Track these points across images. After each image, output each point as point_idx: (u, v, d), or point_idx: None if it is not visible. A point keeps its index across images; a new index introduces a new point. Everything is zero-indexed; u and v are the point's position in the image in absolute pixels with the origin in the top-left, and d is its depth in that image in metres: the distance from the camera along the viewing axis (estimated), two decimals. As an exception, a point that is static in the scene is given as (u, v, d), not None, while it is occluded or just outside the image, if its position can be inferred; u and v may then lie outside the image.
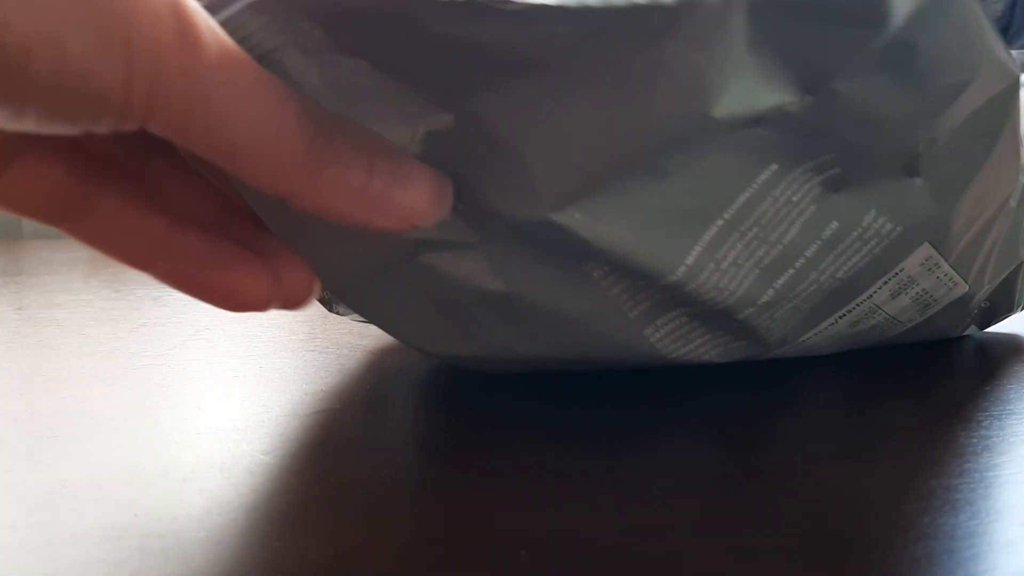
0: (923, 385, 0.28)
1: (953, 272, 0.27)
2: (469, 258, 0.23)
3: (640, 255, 0.22)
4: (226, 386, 0.29)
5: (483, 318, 0.24)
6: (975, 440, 0.23)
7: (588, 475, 0.22)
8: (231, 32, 0.18)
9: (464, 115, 0.20)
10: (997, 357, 0.30)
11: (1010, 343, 0.31)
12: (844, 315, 0.26)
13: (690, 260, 0.22)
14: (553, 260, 0.23)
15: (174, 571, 0.18)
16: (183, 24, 0.17)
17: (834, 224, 0.23)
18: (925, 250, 0.25)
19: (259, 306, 0.22)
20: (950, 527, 0.18)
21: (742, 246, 0.23)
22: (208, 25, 0.17)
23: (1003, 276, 0.30)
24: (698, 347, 0.25)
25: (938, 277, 0.27)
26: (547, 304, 0.24)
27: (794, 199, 0.22)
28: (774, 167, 0.22)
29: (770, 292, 0.24)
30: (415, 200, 0.20)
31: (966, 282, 0.28)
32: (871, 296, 0.26)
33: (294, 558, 0.19)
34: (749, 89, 0.20)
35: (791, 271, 0.23)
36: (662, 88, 0.20)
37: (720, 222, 0.22)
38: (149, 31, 0.16)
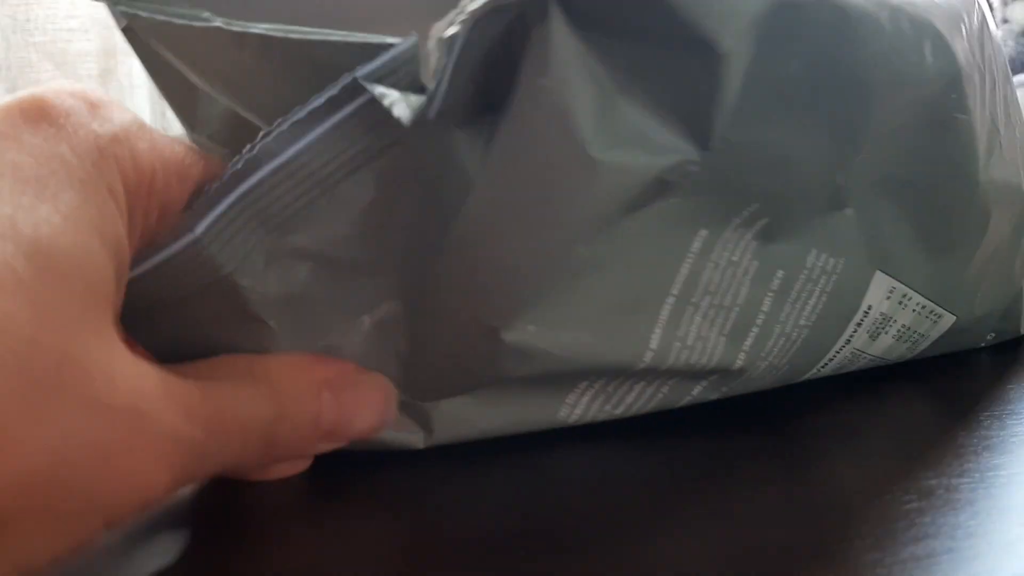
0: (922, 384, 0.28)
1: (930, 303, 0.26)
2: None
3: (605, 353, 0.22)
4: (226, 386, 0.29)
5: None
6: (975, 439, 0.23)
7: (586, 474, 0.22)
8: (212, 241, 0.18)
9: (410, 289, 0.21)
10: (997, 357, 0.30)
11: (1009, 343, 0.31)
12: (826, 364, 0.26)
13: (654, 344, 0.22)
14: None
15: (174, 571, 0.18)
16: (188, 442, 0.17)
17: (780, 272, 0.23)
18: (883, 281, 0.25)
19: None
20: (951, 526, 0.18)
21: (700, 318, 0.22)
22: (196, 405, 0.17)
23: (1002, 307, 0.29)
24: (636, 402, 0.25)
25: (914, 310, 0.26)
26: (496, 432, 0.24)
27: (734, 259, 0.22)
28: (703, 233, 0.21)
29: (742, 356, 0.24)
30: (361, 423, 0.21)
31: (952, 312, 0.27)
32: (849, 341, 0.25)
33: (292, 559, 0.19)
34: (630, 138, 0.19)
35: (755, 330, 0.23)
36: (537, 141, 0.19)
37: (671, 299, 0.22)
38: (148, 455, 0.16)
